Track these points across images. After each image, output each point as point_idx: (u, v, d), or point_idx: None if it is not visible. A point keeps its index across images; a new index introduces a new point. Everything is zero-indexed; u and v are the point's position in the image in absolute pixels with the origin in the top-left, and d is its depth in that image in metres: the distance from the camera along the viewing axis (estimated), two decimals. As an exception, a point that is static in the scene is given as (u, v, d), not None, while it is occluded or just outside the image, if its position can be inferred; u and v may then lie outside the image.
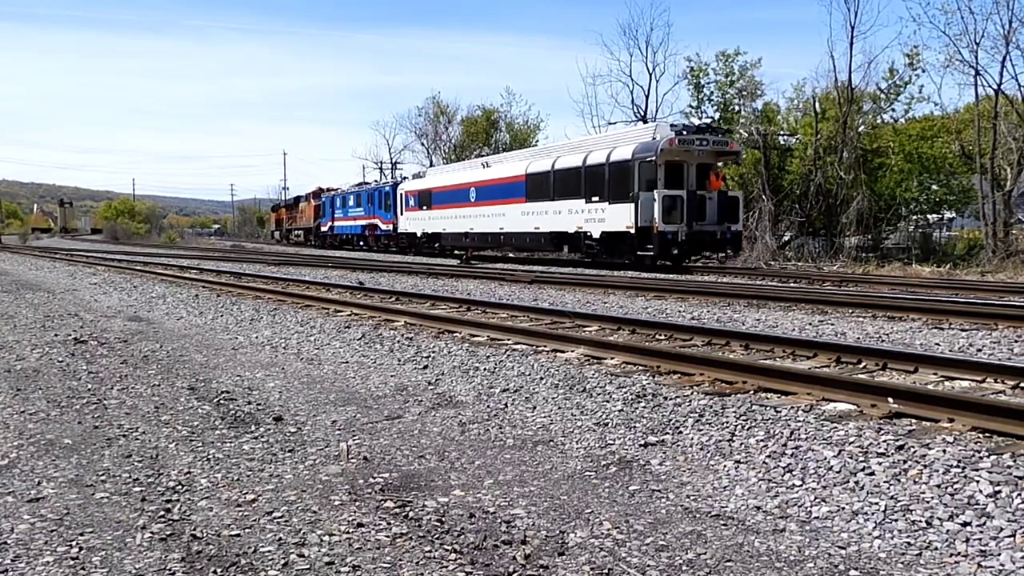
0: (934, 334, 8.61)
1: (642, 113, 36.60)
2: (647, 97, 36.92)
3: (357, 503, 3.97)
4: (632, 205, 21.00)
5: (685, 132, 21.51)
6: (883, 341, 8.19)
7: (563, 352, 7.53)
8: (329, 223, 48.48)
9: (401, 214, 36.39)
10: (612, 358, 7.10)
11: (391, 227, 38.20)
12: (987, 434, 4.49)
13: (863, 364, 6.51)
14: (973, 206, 29.51)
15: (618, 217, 21.69)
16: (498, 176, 28.39)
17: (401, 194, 36.51)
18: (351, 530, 3.62)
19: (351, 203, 44.80)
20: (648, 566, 3.27)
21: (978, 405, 4.75)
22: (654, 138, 21.26)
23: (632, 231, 21.00)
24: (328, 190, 51.24)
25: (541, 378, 6.59)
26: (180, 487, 4.21)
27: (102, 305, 13.99)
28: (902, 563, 3.28)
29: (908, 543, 3.45)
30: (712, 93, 34.54)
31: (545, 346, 7.87)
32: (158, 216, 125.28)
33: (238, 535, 3.56)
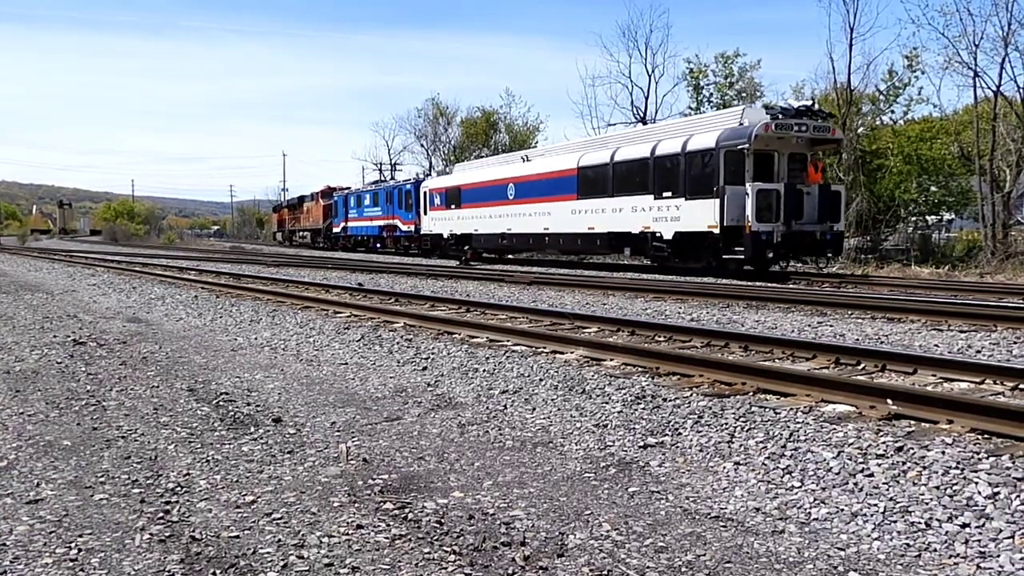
0: (933, 335, 8.62)
1: (641, 115, 36.66)
2: (646, 99, 37.01)
3: (356, 504, 3.97)
4: (716, 201, 18.10)
5: (782, 116, 18.44)
6: (882, 342, 8.19)
7: (562, 353, 7.53)
8: (342, 223, 46.17)
9: (425, 214, 33.64)
10: (611, 359, 7.10)
11: (413, 228, 35.95)
12: (986, 436, 4.49)
13: (862, 365, 6.51)
14: (972, 207, 29.55)
15: (697, 215, 18.80)
16: (542, 171, 25.55)
17: (425, 192, 33.76)
18: (350, 531, 3.61)
19: (367, 202, 42.30)
20: (647, 567, 3.27)
21: (977, 407, 4.75)
22: (741, 123, 18.44)
23: (716, 231, 18.16)
24: (340, 189, 49.42)
25: (540, 379, 6.59)
26: (179, 488, 4.21)
27: (101, 306, 13.98)
28: (901, 565, 3.29)
29: (907, 544, 3.45)
30: (711, 95, 34.61)
31: (544, 347, 7.87)
32: (157, 217, 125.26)
33: (237, 537, 3.56)
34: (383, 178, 50.56)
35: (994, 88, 24.98)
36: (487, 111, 51.53)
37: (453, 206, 30.97)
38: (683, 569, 3.26)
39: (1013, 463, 3.96)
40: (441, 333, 9.16)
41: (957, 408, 4.78)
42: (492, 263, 27.75)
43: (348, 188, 48.85)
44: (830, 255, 19.28)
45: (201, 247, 62.73)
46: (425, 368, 7.52)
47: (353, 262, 27.88)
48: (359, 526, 3.67)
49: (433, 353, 8.00)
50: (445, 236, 31.67)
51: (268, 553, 3.38)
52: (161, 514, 3.83)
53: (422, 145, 56.68)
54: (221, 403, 6.24)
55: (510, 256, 30.71)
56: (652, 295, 13.69)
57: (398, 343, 8.63)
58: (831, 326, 9.48)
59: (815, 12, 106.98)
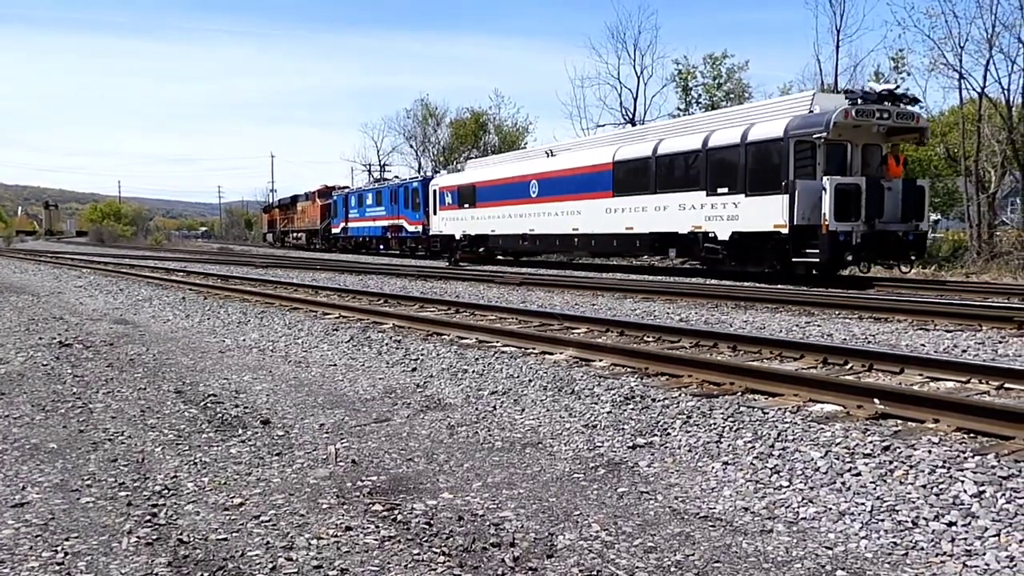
0: (919, 335, 8.67)
1: (630, 116, 36.76)
2: (635, 100, 37.13)
3: (345, 506, 3.96)
4: (785, 197, 16.07)
5: (863, 101, 16.26)
6: (869, 342, 8.23)
7: (551, 354, 7.54)
8: (341, 224, 44.19)
9: (434, 214, 31.35)
10: (600, 360, 7.11)
11: (420, 228, 33.98)
12: (972, 434, 4.53)
13: (849, 365, 6.55)
14: (958, 208, 29.77)
15: (761, 213, 16.71)
16: (571, 166, 23.33)
17: (435, 190, 31.47)
18: (339, 533, 3.61)
19: (369, 201, 40.23)
20: (637, 567, 3.27)
21: (963, 406, 4.79)
22: (812, 110, 16.43)
23: (783, 231, 16.15)
24: (338, 188, 47.99)
25: (529, 380, 6.60)
26: (167, 491, 4.19)
27: (87, 308, 13.89)
28: (888, 563, 3.30)
29: (894, 543, 3.47)
30: (700, 96, 34.74)
31: (534, 348, 7.87)
32: (144, 218, 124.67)
33: (225, 539, 3.54)
34: (382, 177, 49.00)
35: (979, 90, 25.18)
36: (476, 112, 51.60)
37: (467, 205, 28.97)
38: (672, 569, 3.27)
39: (998, 462, 3.99)
40: (430, 334, 9.15)
41: (943, 407, 4.81)
42: (508, 265, 26.56)
43: (347, 187, 47.47)
44: (914, 257, 17.00)
45: (189, 248, 62.42)
46: (414, 369, 7.51)
47: (343, 263, 27.81)
48: (348, 528, 3.66)
49: (422, 354, 7.99)
50: (458, 237, 29.56)
51: (256, 556, 3.36)
52: (148, 517, 3.81)
53: (411, 146, 56.68)
54: (209, 405, 6.21)
55: (536, 258, 29.20)
56: (641, 296, 13.72)
57: (387, 344, 8.62)
58: (819, 326, 9.52)
59: (802, 14, 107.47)
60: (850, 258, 15.98)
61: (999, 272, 20.33)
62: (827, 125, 15.65)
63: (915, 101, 17.01)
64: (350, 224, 43.34)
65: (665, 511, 3.94)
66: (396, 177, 43.91)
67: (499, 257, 28.67)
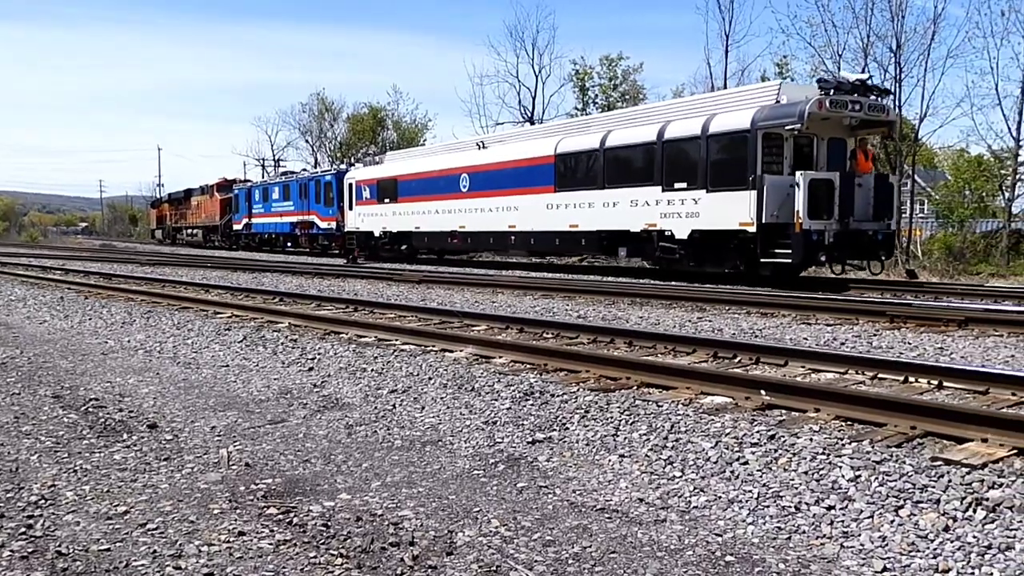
0: (803, 329, 9.11)
1: (528, 114, 37.10)
2: (534, 99, 37.49)
3: (238, 511, 3.84)
4: (752, 193, 14.99)
5: (836, 92, 15.13)
6: (756, 336, 8.59)
7: (452, 352, 7.53)
8: (244, 220, 41.41)
9: (350, 209, 29.32)
10: (500, 357, 7.15)
11: (333, 225, 31.85)
12: (849, 422, 4.80)
13: (738, 359, 6.82)
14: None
15: (724, 210, 15.64)
16: (507, 159, 21.70)
17: (350, 184, 29.35)
18: (232, 539, 3.49)
19: (276, 196, 37.83)
20: (536, 561, 3.31)
21: (841, 395, 5.07)
22: (778, 100, 15.34)
23: (750, 229, 15.12)
24: (240, 181, 45.31)
25: (429, 378, 6.57)
26: (44, 501, 3.95)
27: (-46, 309, 12.96)
28: (773, 547, 3.46)
29: (779, 528, 3.63)
30: (597, 96, 35.39)
31: (434, 346, 7.84)
32: (17, 213, 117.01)
33: (108, 550, 3.38)
34: (286, 169, 45.84)
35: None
36: (374, 108, 50.92)
37: (387, 200, 27.00)
38: (570, 561, 3.32)
39: (873, 447, 4.24)
40: (328, 333, 8.98)
41: (823, 397, 5.08)
42: (433, 264, 25.39)
43: (249, 180, 45.02)
44: (883, 257, 16.06)
45: (68, 245, 59.01)
46: (311, 369, 7.36)
47: (236, 261, 26.95)
48: (241, 533, 3.56)
49: (319, 353, 7.83)
50: (377, 234, 27.70)
51: (142, 566, 3.22)
52: (23, 529, 3.59)
53: (307, 141, 55.49)
54: (90, 410, 5.90)
55: (463, 257, 27.70)
56: (540, 293, 13.87)
57: (283, 344, 8.41)
58: (710, 321, 9.87)
59: (694, 19, 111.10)
60: (823, 258, 15.22)
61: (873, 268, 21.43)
62: (801, 116, 14.56)
63: (887, 93, 16.13)
64: (254, 220, 40.74)
65: (563, 504, 4.00)
66: (305, 170, 41.64)
67: (421, 256, 27.25)
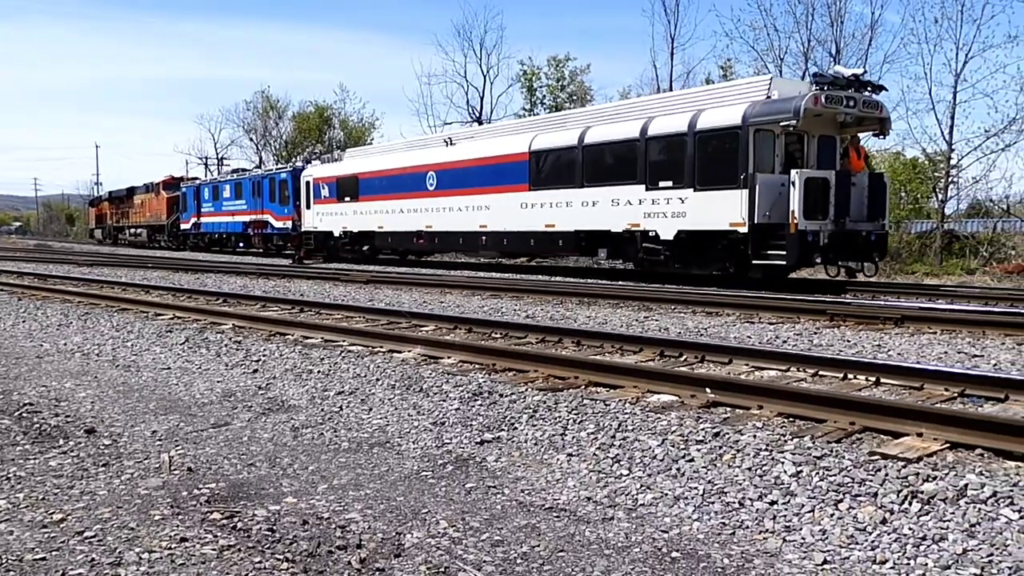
0: (746, 328, 9.28)
1: (477, 114, 37.09)
2: (482, 99, 37.49)
3: (180, 516, 3.76)
4: (743, 192, 14.43)
5: (831, 87, 14.64)
6: (702, 335, 8.73)
7: (400, 352, 7.48)
8: (193, 219, 39.79)
9: (307, 208, 28.34)
10: (449, 357, 7.13)
11: (289, 224, 30.63)
12: (791, 419, 4.91)
13: (684, 357, 6.92)
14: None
15: (713, 209, 15.05)
16: (477, 156, 20.89)
17: (307, 182, 28.33)
18: (173, 545, 3.41)
19: (227, 194, 36.25)
20: (484, 562, 3.31)
21: (783, 392, 5.18)
22: (769, 96, 14.79)
23: (741, 230, 14.54)
24: (187, 179, 43.55)
25: (377, 379, 6.52)
26: (-26, 511, 3.81)
27: None
28: (718, 542, 3.52)
29: (723, 523, 3.69)
30: (544, 97, 35.55)
31: (381, 347, 7.78)
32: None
33: (44, 559, 3.27)
34: (255, 167, 43.61)
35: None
36: (320, 106, 50.32)
37: (348, 199, 26.01)
38: (518, 561, 3.33)
39: (814, 443, 4.34)
40: (273, 334, 8.84)
41: (767, 394, 5.19)
42: (395, 265, 24.55)
43: (198, 178, 43.36)
44: (877, 259, 15.50)
45: (1, 245, 56.97)
46: (256, 371, 7.23)
47: (176, 261, 26.36)
48: (183, 539, 3.48)
49: (264, 355, 7.71)
50: (336, 234, 26.69)
51: (80, 575, 3.13)
52: (-49, 540, 3.45)
53: (251, 139, 54.56)
54: (24, 415, 5.71)
55: (428, 259, 26.83)
56: (489, 293, 13.87)
57: (226, 345, 8.25)
58: (656, 320, 9.99)
59: (640, 21, 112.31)
60: (818, 260, 14.61)
61: (816, 269, 22.01)
62: (796, 112, 13.92)
63: (881, 88, 15.61)
64: (203, 219, 39.11)
65: (512, 504, 4.00)
66: (258, 167, 40.12)
67: (380, 257, 26.21)
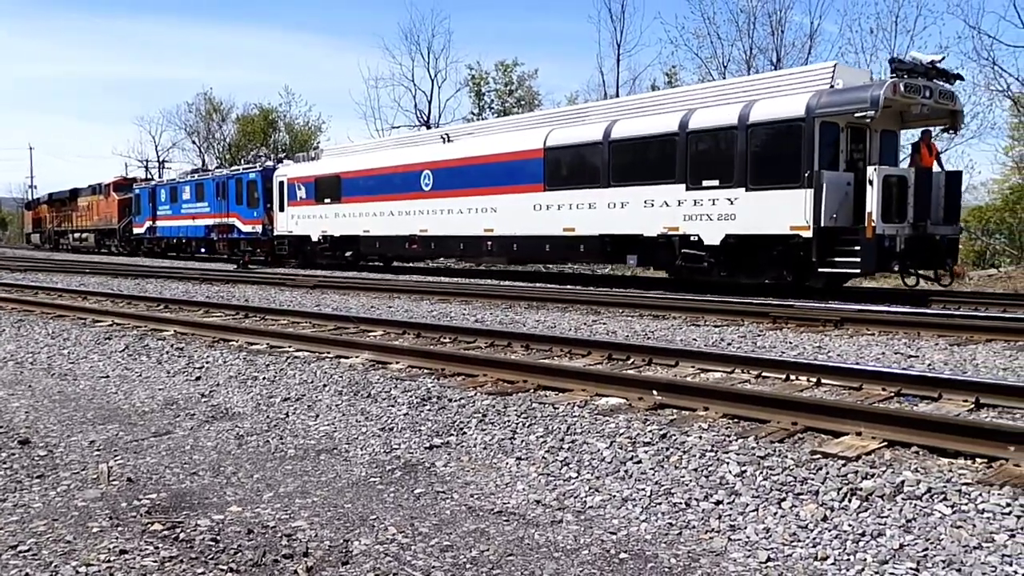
0: (692, 330, 9.42)
1: (425, 118, 36.99)
2: (430, 103, 37.40)
3: (120, 528, 3.65)
4: (807, 192, 12.81)
5: (910, 75, 12.95)
6: (649, 338, 8.82)
7: (347, 358, 7.41)
8: (147, 223, 37.24)
9: (281, 210, 26.29)
10: (397, 362, 7.08)
11: (258, 228, 28.34)
12: (736, 420, 4.99)
13: (631, 360, 6.99)
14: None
15: (770, 211, 13.37)
16: (480, 153, 19.07)
17: (280, 182, 26.27)
18: (112, 558, 3.32)
19: (187, 196, 33.66)
20: (433, 567, 3.29)
21: (728, 394, 5.27)
22: (832, 85, 13.18)
23: (805, 234, 12.89)
24: (140, 180, 41.34)
25: (324, 385, 6.44)
26: (-102, 527, 3.65)
27: None
28: (665, 543, 3.56)
29: (670, 524, 3.74)
30: (492, 101, 35.63)
31: (328, 352, 7.69)
32: None
33: (-26, 576, 3.15)
34: (217, 167, 40.89)
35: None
36: (265, 109, 49.69)
37: (328, 200, 24.12)
38: (467, 566, 3.32)
39: (758, 443, 4.43)
40: (217, 340, 8.67)
41: (712, 396, 5.27)
42: (381, 272, 23.20)
43: (152, 179, 41.35)
44: (950, 265, 13.82)
45: (-72, 250, 54.73)
46: (199, 378, 7.08)
47: (114, 266, 25.67)
48: (123, 551, 3.38)
49: (208, 362, 7.55)
50: (315, 238, 24.79)
51: (12, 591, 3.02)
52: None
53: (194, 142, 53.55)
54: (-47, 426, 5.49)
55: (416, 265, 25.24)
56: (438, 297, 13.82)
57: (168, 352, 8.06)
58: (604, 324, 10.08)
59: (587, 27, 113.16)
60: (896, 267, 13.05)
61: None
62: (875, 102, 12.30)
63: (957, 78, 13.94)
64: (159, 223, 36.42)
65: (461, 509, 3.99)
66: (221, 166, 38.09)
67: (362, 263, 24.47)
